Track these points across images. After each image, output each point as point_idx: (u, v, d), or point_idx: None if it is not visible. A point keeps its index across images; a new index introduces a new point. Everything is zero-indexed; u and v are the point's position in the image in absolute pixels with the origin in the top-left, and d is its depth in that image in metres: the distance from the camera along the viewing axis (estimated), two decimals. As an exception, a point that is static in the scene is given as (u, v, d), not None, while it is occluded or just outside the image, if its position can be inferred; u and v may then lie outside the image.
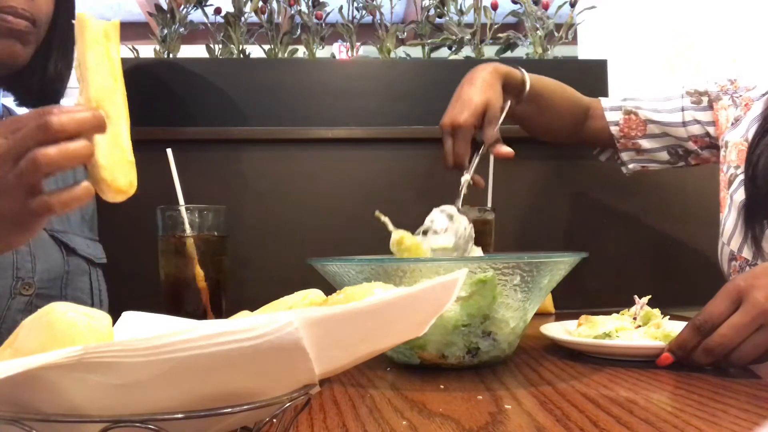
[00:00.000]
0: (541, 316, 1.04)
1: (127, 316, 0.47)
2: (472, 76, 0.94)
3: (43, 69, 0.86)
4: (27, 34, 0.76)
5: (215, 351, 0.27)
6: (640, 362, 0.64)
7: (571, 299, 1.11)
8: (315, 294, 0.42)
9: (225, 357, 0.27)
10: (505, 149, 0.90)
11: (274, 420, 0.34)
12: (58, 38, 0.86)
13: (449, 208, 0.80)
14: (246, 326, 0.27)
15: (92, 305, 0.89)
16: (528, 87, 0.98)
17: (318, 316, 0.29)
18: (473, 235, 0.78)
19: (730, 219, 0.92)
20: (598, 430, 0.43)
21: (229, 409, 0.30)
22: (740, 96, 0.98)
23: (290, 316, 0.28)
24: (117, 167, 0.59)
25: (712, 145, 1.02)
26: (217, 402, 0.29)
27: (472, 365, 0.63)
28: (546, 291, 0.66)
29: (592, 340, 0.68)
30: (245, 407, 0.30)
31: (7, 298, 0.78)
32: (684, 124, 1.02)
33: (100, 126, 0.55)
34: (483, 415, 0.47)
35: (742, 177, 0.90)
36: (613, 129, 1.07)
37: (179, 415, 0.28)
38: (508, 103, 0.95)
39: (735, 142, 0.95)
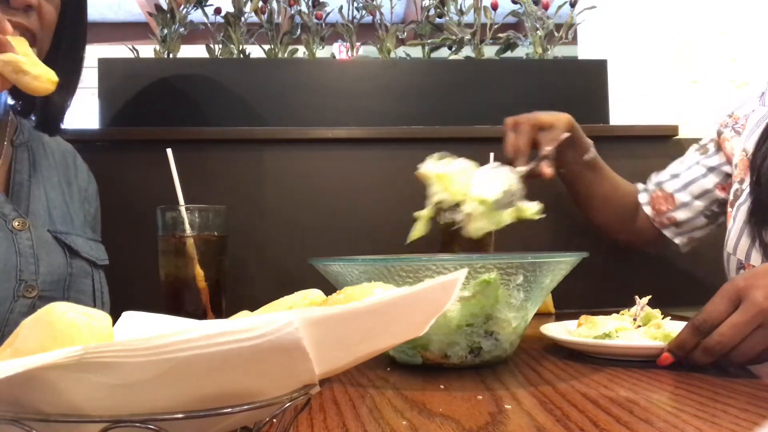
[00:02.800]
0: (541, 316, 1.04)
1: (127, 316, 0.47)
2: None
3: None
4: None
5: (215, 351, 0.27)
6: (640, 362, 0.64)
7: (571, 299, 1.11)
8: (315, 294, 0.42)
9: (225, 357, 0.27)
10: (548, 169, 0.96)
11: (274, 420, 0.34)
12: (63, 59, 0.84)
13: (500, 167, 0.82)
14: (246, 326, 0.27)
15: (94, 307, 0.88)
16: (592, 152, 1.03)
17: (318, 316, 0.29)
18: (521, 193, 0.84)
19: (734, 229, 0.93)
20: (598, 430, 0.43)
21: (229, 409, 0.30)
22: (741, 125, 1.00)
23: (290, 316, 0.28)
24: (36, 62, 0.69)
25: None
26: (217, 402, 0.29)
27: (474, 365, 0.63)
28: (547, 291, 0.66)
29: (592, 340, 0.68)
30: (245, 407, 0.30)
31: (11, 301, 0.77)
32: (704, 175, 1.03)
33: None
34: (483, 415, 0.47)
35: (747, 190, 0.90)
36: (647, 210, 1.08)
37: (179, 415, 0.28)
38: (568, 134, 0.98)
39: (739, 159, 0.96)
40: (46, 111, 0.88)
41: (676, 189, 1.05)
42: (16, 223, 0.79)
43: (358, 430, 0.44)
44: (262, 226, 1.18)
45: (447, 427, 0.44)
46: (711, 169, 1.02)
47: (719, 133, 1.03)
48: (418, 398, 0.52)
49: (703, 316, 0.59)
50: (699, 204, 1.03)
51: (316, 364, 0.30)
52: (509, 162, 0.96)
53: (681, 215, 1.05)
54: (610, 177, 1.09)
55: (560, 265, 0.64)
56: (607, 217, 1.10)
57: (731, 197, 0.97)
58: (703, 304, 0.61)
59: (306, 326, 0.28)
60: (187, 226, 0.84)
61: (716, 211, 1.04)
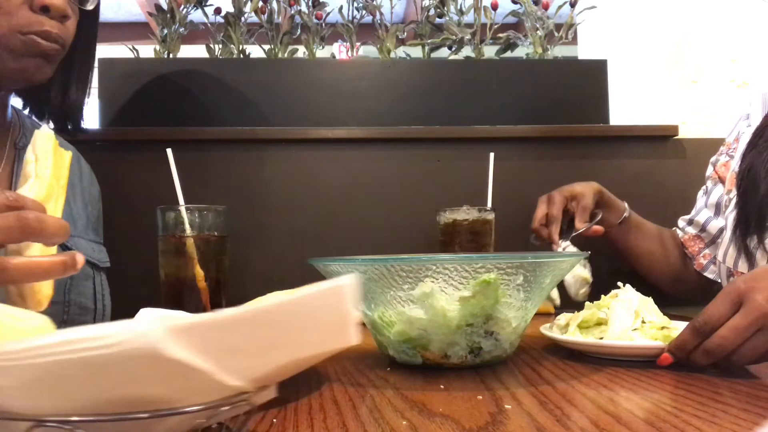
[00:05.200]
0: (542, 316, 1.04)
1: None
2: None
3: (65, 91, 0.89)
4: (56, 56, 0.79)
5: (73, 357, 0.27)
6: (640, 362, 0.64)
7: (571, 299, 1.11)
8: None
9: (84, 363, 0.27)
10: (595, 227, 1.03)
11: (222, 423, 0.34)
12: (78, 62, 0.88)
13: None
14: (101, 333, 0.27)
15: (95, 310, 0.89)
16: (627, 213, 1.07)
17: (181, 325, 0.28)
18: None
19: (725, 238, 0.94)
20: (598, 430, 0.43)
21: (145, 415, 0.30)
22: (733, 149, 1.02)
23: (149, 325, 0.27)
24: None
25: None
26: (141, 406, 0.30)
27: (474, 365, 0.63)
28: (547, 291, 0.66)
29: (592, 340, 0.68)
30: (164, 413, 0.30)
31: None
32: (715, 215, 1.04)
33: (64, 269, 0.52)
34: (483, 415, 0.47)
35: (735, 200, 0.92)
36: (688, 252, 1.08)
37: (90, 418, 0.29)
38: (600, 214, 1.05)
39: (730, 173, 0.98)
40: (64, 113, 0.90)
41: (698, 231, 1.06)
42: None
43: (358, 430, 0.44)
44: (262, 226, 1.18)
45: (447, 427, 0.44)
46: (716, 205, 1.03)
47: (714, 164, 1.06)
48: (418, 398, 0.52)
49: (704, 318, 0.59)
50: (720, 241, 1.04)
51: (224, 373, 0.30)
52: (546, 229, 1.05)
53: (712, 251, 1.05)
54: (652, 232, 1.10)
55: (560, 265, 0.64)
56: (658, 273, 1.10)
57: (724, 207, 0.99)
58: (703, 304, 0.61)
59: (172, 335, 0.28)
60: (187, 226, 0.84)
61: None
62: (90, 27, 0.89)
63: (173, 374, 0.29)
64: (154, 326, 0.27)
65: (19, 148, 0.86)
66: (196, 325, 0.29)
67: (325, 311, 0.32)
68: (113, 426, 0.30)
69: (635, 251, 1.10)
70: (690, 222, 1.08)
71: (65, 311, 0.83)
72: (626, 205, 1.08)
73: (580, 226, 1.01)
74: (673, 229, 1.12)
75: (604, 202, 1.06)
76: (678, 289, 1.10)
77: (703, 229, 1.05)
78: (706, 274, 1.04)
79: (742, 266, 0.88)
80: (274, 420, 0.47)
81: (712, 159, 1.08)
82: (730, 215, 0.93)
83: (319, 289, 0.32)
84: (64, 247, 0.84)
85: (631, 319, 0.68)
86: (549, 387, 0.55)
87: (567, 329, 0.71)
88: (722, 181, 1.03)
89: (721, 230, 1.01)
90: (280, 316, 0.31)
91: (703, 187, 1.09)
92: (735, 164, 0.97)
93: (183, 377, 0.29)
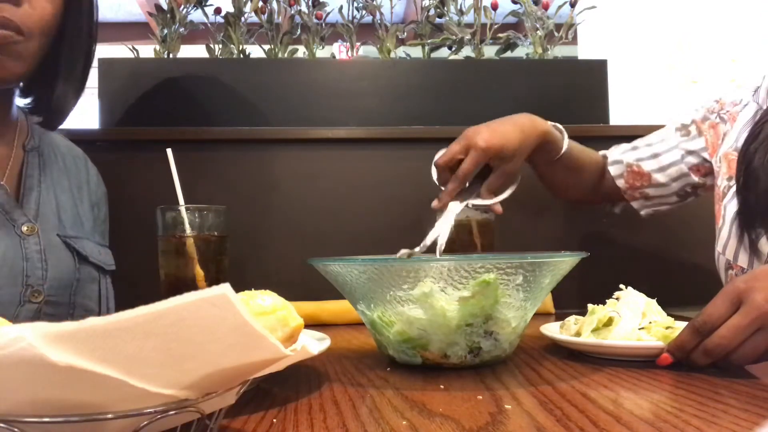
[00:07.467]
0: (541, 316, 1.04)
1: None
2: (511, 118, 0.92)
3: (51, 89, 0.83)
4: (10, 45, 0.71)
5: None
6: (640, 362, 0.64)
7: (571, 299, 1.11)
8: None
9: None
10: (496, 207, 0.90)
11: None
12: (66, 57, 0.82)
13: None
14: None
15: (99, 312, 0.89)
16: (564, 150, 0.97)
17: (55, 332, 0.28)
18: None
19: (724, 229, 0.93)
20: (598, 430, 0.43)
21: (76, 418, 0.30)
22: (727, 111, 1.00)
23: (21, 332, 0.27)
24: None
25: (712, 170, 1.02)
26: (78, 410, 0.30)
27: (473, 365, 0.63)
28: (547, 291, 0.66)
29: (592, 340, 0.68)
30: (92, 417, 0.30)
31: (16, 306, 0.77)
32: (682, 158, 1.03)
33: None
34: (483, 415, 0.47)
35: (734, 188, 0.90)
36: (619, 182, 1.07)
37: (31, 419, 0.30)
38: (515, 186, 0.92)
39: (725, 152, 0.96)
40: (48, 112, 0.87)
41: (654, 169, 1.05)
42: (25, 228, 0.79)
43: (358, 430, 0.44)
44: (262, 226, 1.18)
45: (447, 427, 0.44)
46: (690, 153, 1.02)
47: (704, 119, 1.03)
48: (418, 398, 0.52)
49: (703, 318, 0.59)
50: (674, 185, 1.04)
51: (141, 381, 0.30)
52: (448, 175, 0.92)
53: (654, 192, 1.06)
54: (582, 161, 1.05)
55: (560, 265, 0.64)
56: (576, 194, 1.10)
57: (720, 194, 0.97)
58: (703, 304, 0.61)
59: (49, 341, 0.27)
60: (187, 226, 0.84)
61: (689, 192, 1.05)
62: (77, 20, 0.81)
63: (80, 380, 0.29)
64: (27, 332, 0.27)
65: (27, 150, 0.86)
66: (74, 332, 0.28)
67: (210, 321, 0.31)
68: (52, 427, 0.30)
69: (565, 183, 1.06)
70: (654, 156, 1.04)
71: (70, 313, 0.83)
72: (566, 137, 0.97)
73: (486, 197, 0.89)
74: (604, 153, 1.09)
75: (545, 144, 0.94)
76: (584, 201, 1.13)
77: (662, 170, 1.03)
78: (633, 203, 1.07)
79: (743, 259, 0.87)
80: (274, 420, 0.47)
81: (704, 111, 1.03)
82: (729, 204, 0.92)
83: (202, 297, 0.31)
84: (71, 248, 0.84)
85: (638, 319, 0.68)
86: (549, 387, 0.55)
87: (579, 334, 0.71)
88: (706, 139, 1.01)
89: (671, 177, 1.03)
90: (158, 327, 0.30)
91: (680, 126, 1.04)
92: (733, 138, 0.95)
93: (92, 384, 0.29)
